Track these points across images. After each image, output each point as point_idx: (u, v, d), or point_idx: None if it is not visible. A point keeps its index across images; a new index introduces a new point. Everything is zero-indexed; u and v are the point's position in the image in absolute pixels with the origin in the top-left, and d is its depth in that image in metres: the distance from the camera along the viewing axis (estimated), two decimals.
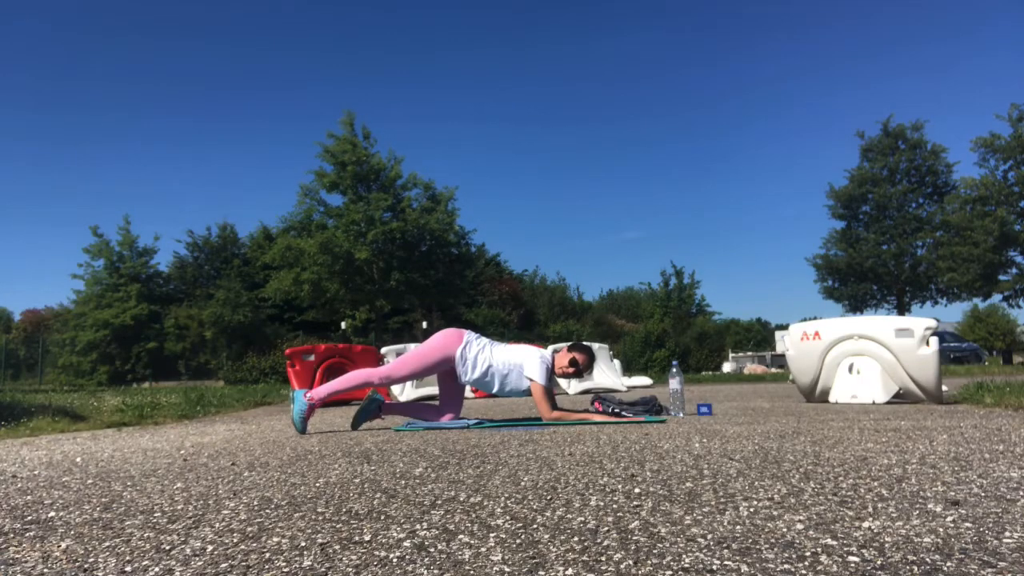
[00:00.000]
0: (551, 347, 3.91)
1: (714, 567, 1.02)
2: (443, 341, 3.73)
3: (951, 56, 55.34)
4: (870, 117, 52.26)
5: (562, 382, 9.51)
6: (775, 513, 1.35)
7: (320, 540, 1.24)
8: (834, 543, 1.13)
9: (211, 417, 5.52)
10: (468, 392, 8.28)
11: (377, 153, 21.56)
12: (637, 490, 1.63)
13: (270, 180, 59.48)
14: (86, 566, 1.13)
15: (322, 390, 3.56)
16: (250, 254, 30.17)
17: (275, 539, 1.26)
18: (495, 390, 3.72)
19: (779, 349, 24.57)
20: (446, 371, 3.77)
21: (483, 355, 3.70)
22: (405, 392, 7.85)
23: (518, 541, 1.20)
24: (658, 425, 3.40)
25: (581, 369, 3.79)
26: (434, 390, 8.14)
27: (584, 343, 3.91)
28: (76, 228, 67.53)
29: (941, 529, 1.20)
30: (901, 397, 5.04)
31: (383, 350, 8.18)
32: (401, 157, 21.79)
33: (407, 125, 55.72)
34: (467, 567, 1.06)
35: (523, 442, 2.72)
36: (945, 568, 0.99)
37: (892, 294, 28.38)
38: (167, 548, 1.22)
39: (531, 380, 3.65)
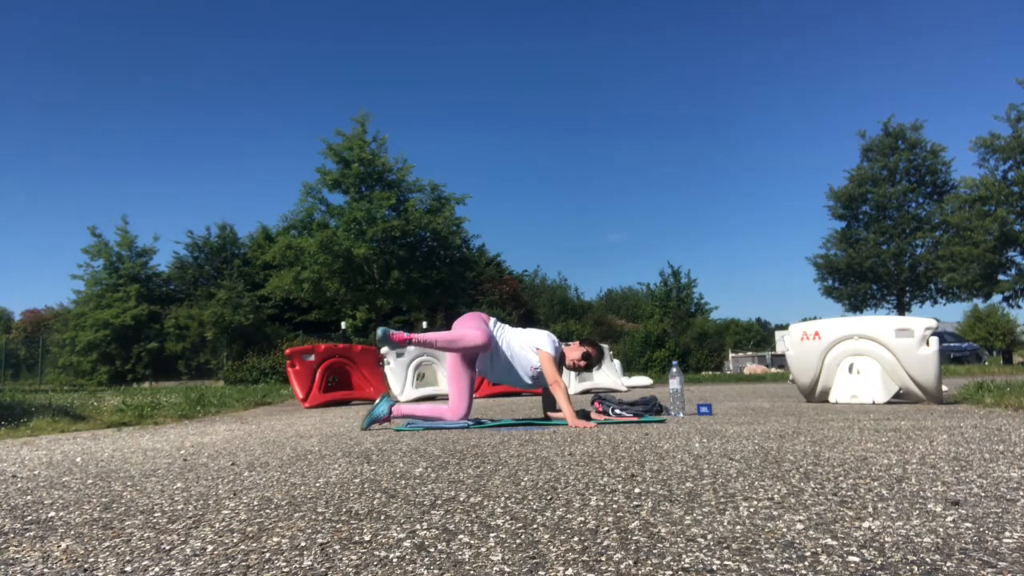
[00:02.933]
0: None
1: (714, 567, 1.02)
2: (474, 321, 3.73)
3: (951, 56, 55.35)
4: (871, 117, 52.29)
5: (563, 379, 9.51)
6: (775, 513, 1.35)
7: (320, 540, 1.24)
8: (834, 543, 1.13)
9: (211, 417, 5.52)
10: None
11: (384, 156, 21.53)
12: (637, 490, 1.63)
13: (270, 181, 59.44)
14: (86, 566, 1.13)
15: (404, 410, 3.74)
16: (250, 254, 30.17)
17: (275, 539, 1.26)
18: (500, 374, 3.73)
19: (779, 349, 24.57)
20: (462, 362, 3.77)
21: (502, 334, 3.77)
22: (405, 392, 7.85)
23: (518, 541, 1.20)
24: (658, 425, 3.40)
25: (592, 363, 3.89)
26: (435, 390, 8.15)
27: (599, 346, 3.98)
28: (76, 228, 67.48)
29: (941, 529, 1.20)
30: (901, 397, 5.04)
31: (383, 350, 8.17)
32: (411, 165, 21.79)
33: (406, 124, 55.72)
34: (467, 567, 1.06)
35: (523, 442, 2.72)
36: (945, 568, 0.99)
37: (892, 294, 28.39)
38: (167, 548, 1.22)
39: (539, 350, 3.69)
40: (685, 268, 36.21)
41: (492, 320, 3.81)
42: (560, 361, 3.80)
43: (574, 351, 3.88)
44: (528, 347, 3.73)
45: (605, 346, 11.10)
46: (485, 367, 3.74)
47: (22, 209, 55.80)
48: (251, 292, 26.65)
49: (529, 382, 3.75)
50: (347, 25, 63.05)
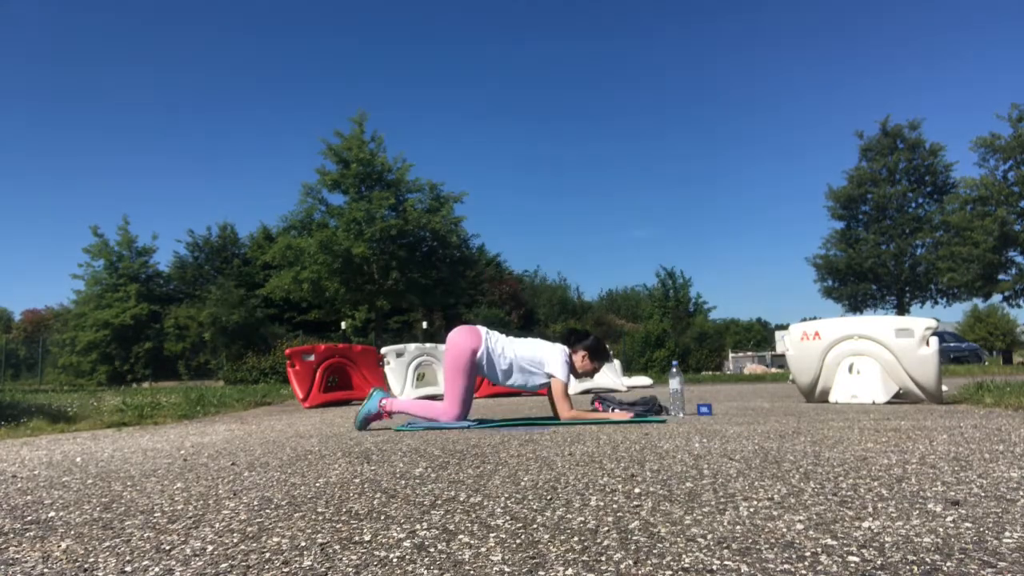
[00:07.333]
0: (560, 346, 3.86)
1: (714, 567, 1.02)
2: (465, 342, 3.67)
3: (951, 55, 55.38)
4: (872, 116, 52.27)
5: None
6: (775, 513, 1.35)
7: (320, 540, 1.24)
8: (834, 543, 1.13)
9: (211, 417, 5.52)
10: None
11: (383, 155, 21.53)
12: (637, 490, 1.63)
13: (270, 181, 59.51)
14: (86, 566, 1.13)
15: (396, 404, 3.65)
16: (250, 254, 30.16)
17: (275, 539, 1.26)
18: (509, 382, 3.70)
19: (779, 349, 24.56)
20: (459, 366, 3.71)
21: (508, 349, 3.71)
22: (405, 392, 7.84)
23: (518, 541, 1.20)
24: (658, 425, 3.40)
25: (602, 364, 3.88)
26: (434, 390, 8.15)
27: (599, 342, 3.89)
28: (77, 228, 67.54)
29: (941, 529, 1.20)
30: (901, 397, 5.04)
31: (383, 350, 8.17)
32: (411, 163, 21.81)
33: (407, 121, 55.66)
34: (467, 567, 1.06)
35: (523, 442, 2.72)
36: (945, 568, 0.99)
37: (892, 294, 28.40)
38: (167, 548, 1.22)
39: (553, 376, 3.64)
40: (681, 268, 36.29)
41: (485, 330, 3.74)
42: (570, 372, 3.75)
43: (582, 360, 3.80)
44: (535, 365, 3.67)
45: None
46: (488, 375, 3.71)
47: (22, 209, 55.83)
48: (248, 291, 26.63)
49: (534, 387, 3.75)
50: (348, 24, 63.06)
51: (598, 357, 3.85)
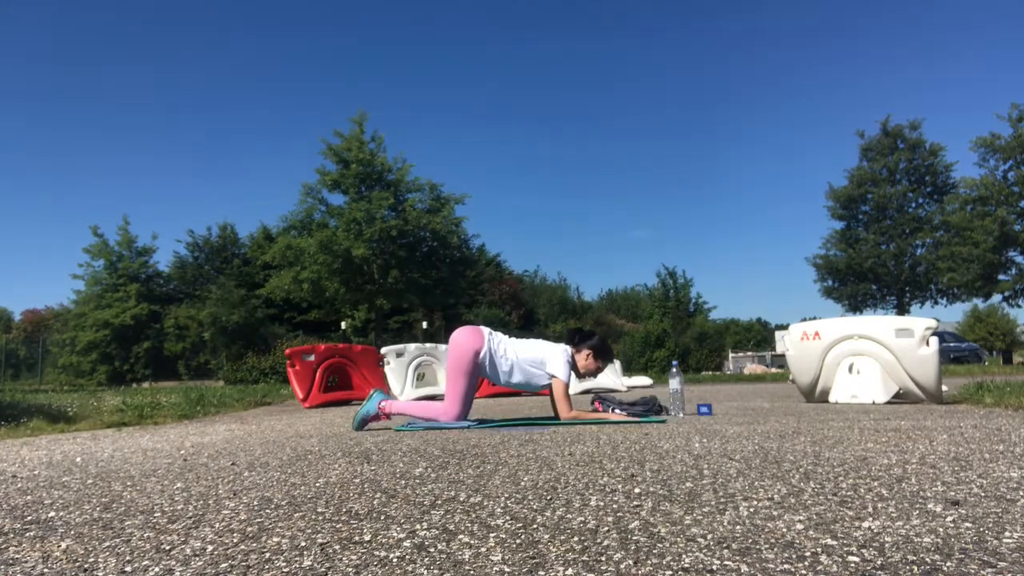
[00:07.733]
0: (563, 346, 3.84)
1: (714, 567, 1.02)
2: (468, 342, 3.66)
3: (951, 55, 55.38)
4: (872, 116, 52.21)
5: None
6: (775, 513, 1.35)
7: (320, 540, 1.24)
8: (834, 543, 1.13)
9: (211, 417, 5.52)
10: None
11: (383, 156, 21.55)
12: (637, 490, 1.63)
13: (270, 180, 59.53)
14: (86, 566, 1.13)
15: (396, 407, 3.68)
16: (250, 254, 30.15)
17: (275, 539, 1.26)
18: (512, 382, 3.71)
19: (779, 349, 24.56)
20: (460, 367, 3.72)
21: (510, 350, 3.71)
22: (405, 392, 7.84)
23: (518, 541, 1.20)
24: (658, 425, 3.40)
25: (605, 363, 3.89)
26: (434, 390, 8.15)
27: (604, 342, 3.90)
28: (76, 228, 67.56)
29: (941, 529, 1.20)
30: (901, 397, 5.04)
31: (383, 350, 8.17)
32: (411, 164, 21.83)
33: (407, 121, 55.65)
34: (467, 567, 1.06)
35: (523, 442, 2.72)
36: (945, 568, 0.99)
37: (892, 294, 28.40)
38: (167, 548, 1.22)
39: (554, 377, 3.64)
40: (681, 268, 36.35)
41: (488, 331, 3.74)
42: (573, 371, 3.75)
43: (586, 360, 3.79)
44: (537, 365, 3.66)
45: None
46: (491, 376, 3.71)
47: (22, 209, 55.82)
48: (248, 291, 26.63)
49: (536, 388, 3.75)
50: (348, 24, 63.05)
51: (602, 356, 3.85)
